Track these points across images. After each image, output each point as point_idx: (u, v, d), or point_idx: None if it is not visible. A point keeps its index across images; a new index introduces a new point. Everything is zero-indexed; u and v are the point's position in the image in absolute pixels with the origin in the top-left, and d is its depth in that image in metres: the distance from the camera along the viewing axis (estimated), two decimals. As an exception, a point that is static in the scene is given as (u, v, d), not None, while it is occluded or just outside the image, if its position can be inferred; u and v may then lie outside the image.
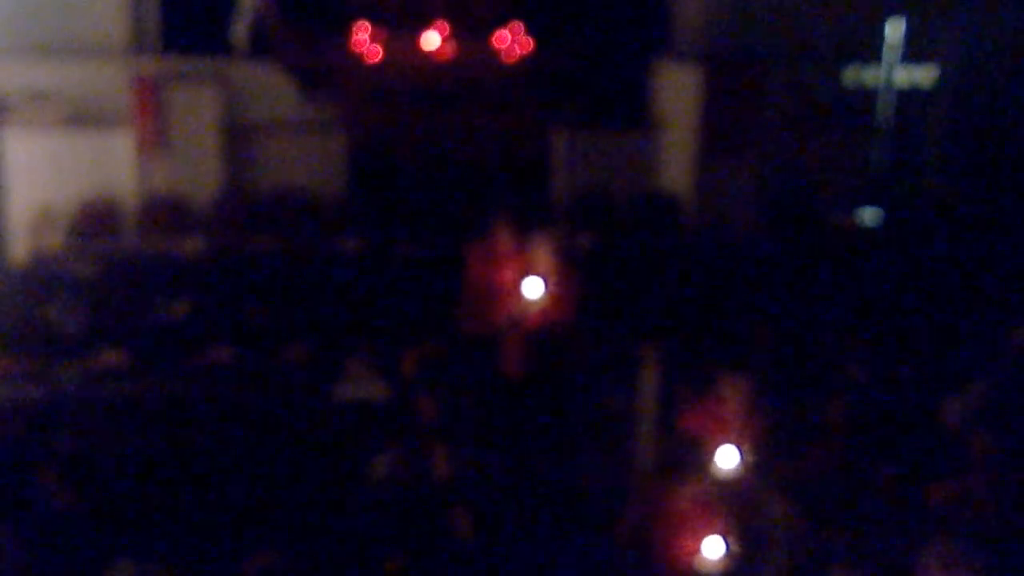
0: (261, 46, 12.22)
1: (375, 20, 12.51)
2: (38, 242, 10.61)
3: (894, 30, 12.45)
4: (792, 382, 7.96)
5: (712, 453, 6.52)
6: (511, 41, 12.49)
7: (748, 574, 5.92)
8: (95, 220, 11.13)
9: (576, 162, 12.12)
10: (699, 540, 6.00)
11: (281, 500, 6.70)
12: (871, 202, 12.81)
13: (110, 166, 11.26)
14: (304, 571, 5.48)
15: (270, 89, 12.46)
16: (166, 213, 11.19)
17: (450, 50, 12.35)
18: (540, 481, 7.81)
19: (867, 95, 13.00)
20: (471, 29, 12.66)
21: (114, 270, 10.32)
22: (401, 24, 12.59)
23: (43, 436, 7.33)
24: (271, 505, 6.63)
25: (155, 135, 11.10)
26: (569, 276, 8.09)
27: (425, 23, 12.51)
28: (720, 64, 11.93)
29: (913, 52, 12.77)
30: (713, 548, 5.99)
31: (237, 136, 11.56)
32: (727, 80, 11.67)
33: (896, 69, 12.51)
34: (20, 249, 10.45)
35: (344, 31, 12.47)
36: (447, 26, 12.45)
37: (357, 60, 12.32)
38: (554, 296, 7.90)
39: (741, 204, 11.89)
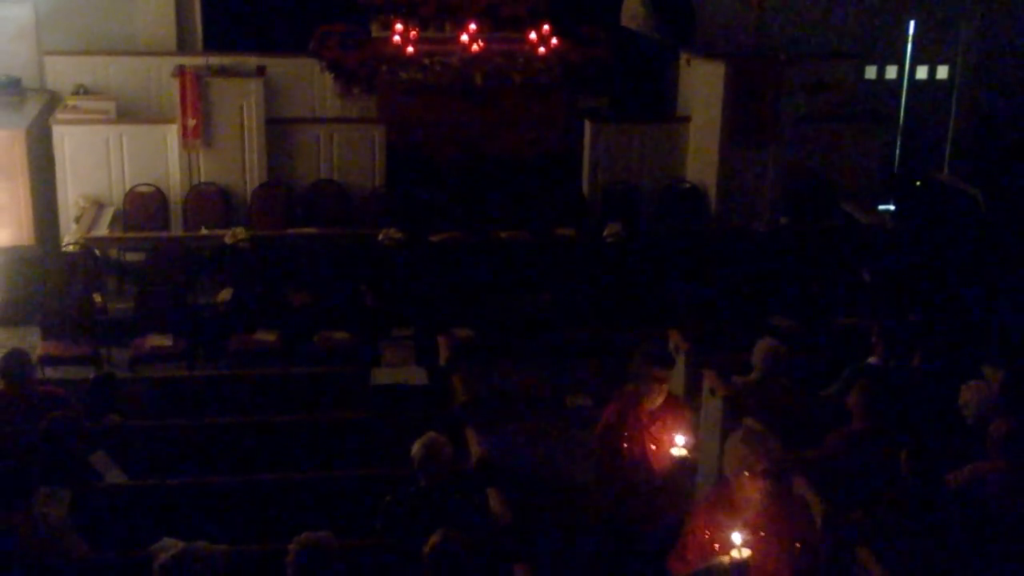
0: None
1: (408, 18, 12.78)
2: (88, 231, 10.86)
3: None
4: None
5: None
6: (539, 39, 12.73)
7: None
8: (143, 209, 11.40)
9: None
10: None
11: (324, 480, 6.81)
12: (890, 195, 12.98)
13: (156, 158, 11.55)
14: (346, 548, 5.57)
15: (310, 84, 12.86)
16: (210, 202, 11.50)
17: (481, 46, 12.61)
18: None
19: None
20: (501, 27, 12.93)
21: (160, 258, 10.54)
22: (434, 22, 12.87)
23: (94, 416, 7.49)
24: (314, 485, 6.72)
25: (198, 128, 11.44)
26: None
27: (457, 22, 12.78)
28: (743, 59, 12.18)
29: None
30: None
31: (278, 129, 11.81)
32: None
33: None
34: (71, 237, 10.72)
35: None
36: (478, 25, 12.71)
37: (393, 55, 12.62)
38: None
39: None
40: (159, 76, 12.31)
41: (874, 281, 10.69)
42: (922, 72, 14.02)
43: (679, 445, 6.24)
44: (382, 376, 8.23)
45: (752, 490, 5.27)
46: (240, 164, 11.57)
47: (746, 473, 5.28)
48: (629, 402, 6.51)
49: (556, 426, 9.12)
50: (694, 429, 6.53)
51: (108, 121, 11.79)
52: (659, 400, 6.41)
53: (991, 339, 9.14)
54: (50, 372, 9.22)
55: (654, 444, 6.38)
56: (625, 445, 6.42)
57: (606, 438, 6.53)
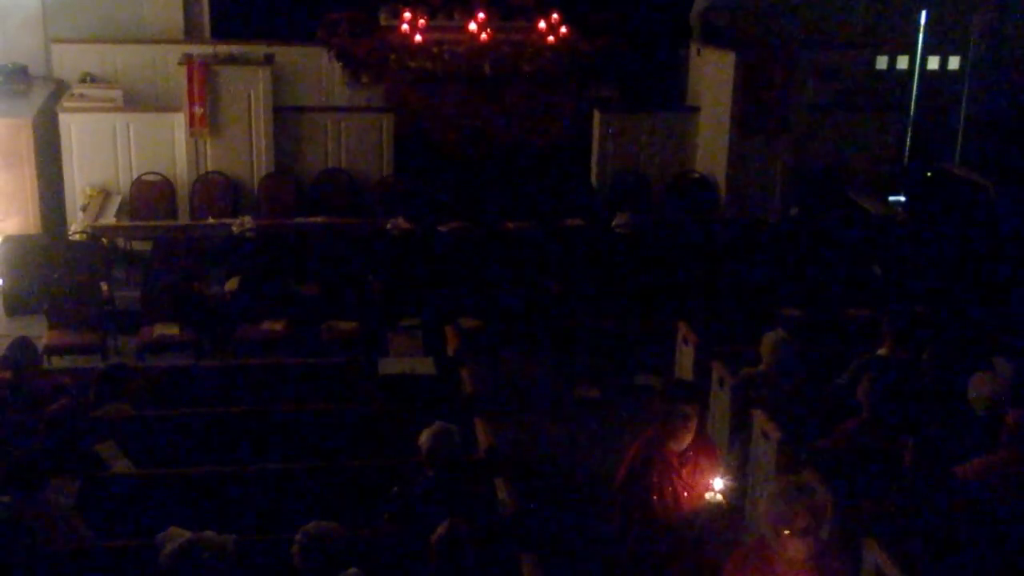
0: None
1: (417, 6, 12.74)
2: (95, 219, 10.85)
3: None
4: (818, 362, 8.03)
5: None
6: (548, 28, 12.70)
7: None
8: (150, 198, 11.42)
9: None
10: None
11: (331, 470, 6.78)
12: (901, 186, 12.94)
13: (163, 147, 11.57)
14: (354, 538, 5.56)
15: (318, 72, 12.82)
16: (217, 191, 11.49)
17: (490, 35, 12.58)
18: None
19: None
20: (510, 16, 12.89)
21: (168, 247, 10.54)
22: (443, 10, 12.83)
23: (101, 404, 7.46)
24: (321, 475, 6.69)
25: (205, 116, 11.42)
26: None
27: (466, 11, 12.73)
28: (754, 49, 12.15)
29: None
30: None
31: (286, 117, 11.82)
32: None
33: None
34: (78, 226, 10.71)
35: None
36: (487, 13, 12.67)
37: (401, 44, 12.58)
38: None
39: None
40: (166, 64, 12.31)
41: (884, 272, 10.66)
42: (933, 62, 13.96)
43: (715, 490, 5.60)
44: (390, 366, 8.21)
45: (793, 550, 4.75)
46: (247, 153, 11.60)
47: (786, 532, 4.74)
48: (653, 445, 5.78)
49: (564, 417, 9.10)
50: (733, 470, 6.06)
51: (115, 109, 11.78)
52: (687, 440, 5.70)
53: (1001, 331, 9.09)
54: (56, 361, 9.25)
55: (686, 490, 5.74)
56: (654, 495, 5.72)
57: (631, 488, 5.79)
